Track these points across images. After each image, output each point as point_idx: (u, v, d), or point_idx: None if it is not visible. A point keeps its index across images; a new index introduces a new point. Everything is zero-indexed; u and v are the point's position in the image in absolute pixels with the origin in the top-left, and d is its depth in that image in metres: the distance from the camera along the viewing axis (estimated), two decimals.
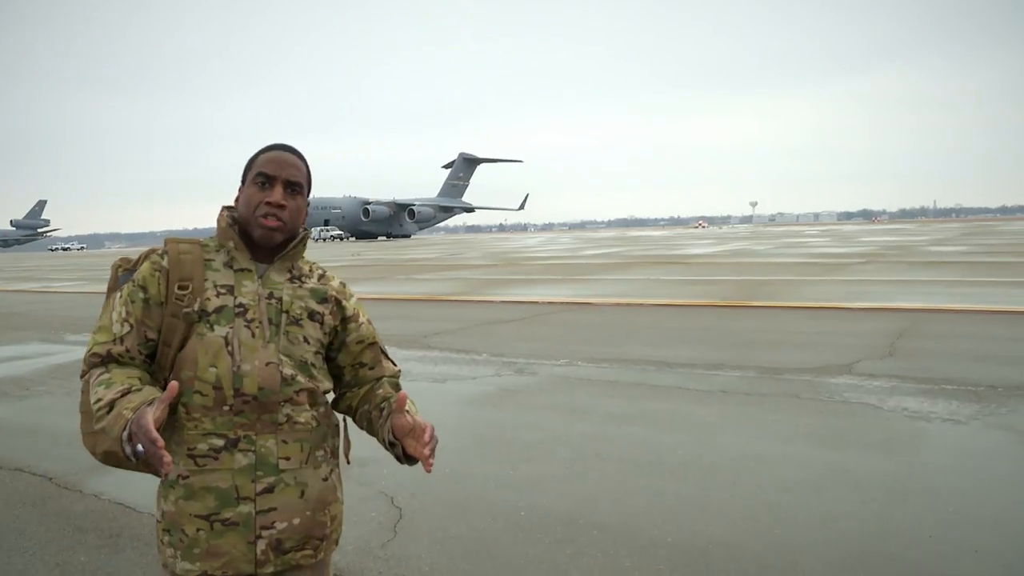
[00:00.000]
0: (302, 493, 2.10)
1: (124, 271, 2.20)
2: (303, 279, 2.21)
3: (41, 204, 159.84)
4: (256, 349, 2.06)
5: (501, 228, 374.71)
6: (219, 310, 2.07)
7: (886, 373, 7.74)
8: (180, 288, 2.06)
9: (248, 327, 2.07)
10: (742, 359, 8.71)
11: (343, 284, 2.32)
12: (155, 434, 1.75)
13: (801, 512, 4.33)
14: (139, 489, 5.04)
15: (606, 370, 8.40)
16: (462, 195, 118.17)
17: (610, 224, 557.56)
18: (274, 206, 2.10)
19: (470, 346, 10.11)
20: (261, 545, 2.05)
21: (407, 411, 2.07)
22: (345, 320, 2.25)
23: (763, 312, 12.73)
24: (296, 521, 2.09)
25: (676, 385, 7.56)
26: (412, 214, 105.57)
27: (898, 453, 5.30)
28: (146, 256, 2.17)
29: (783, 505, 4.43)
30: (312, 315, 2.16)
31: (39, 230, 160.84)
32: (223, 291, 2.09)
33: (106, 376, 2.00)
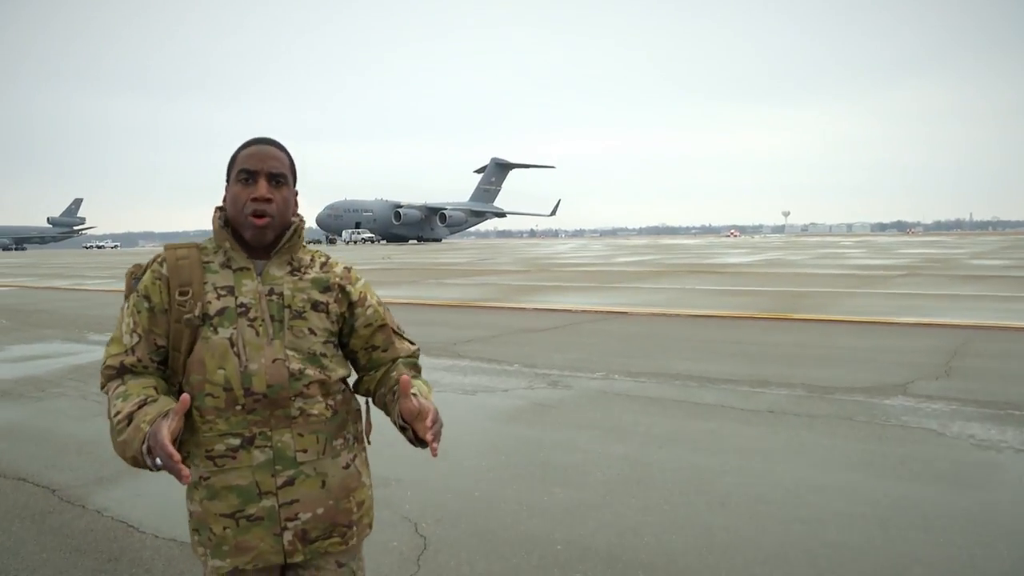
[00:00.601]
0: (323, 483, 2.13)
1: (135, 278, 2.21)
2: (304, 270, 2.20)
3: (77, 202, 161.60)
4: (261, 347, 2.07)
5: (532, 233, 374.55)
6: (221, 312, 2.08)
7: (944, 395, 7.25)
8: (180, 295, 2.08)
9: (252, 326, 2.08)
10: (788, 376, 8.25)
11: (347, 269, 2.30)
12: (171, 449, 1.82)
13: (869, 555, 3.89)
14: (144, 506, 4.72)
15: (645, 385, 7.97)
16: (494, 200, 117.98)
17: (641, 232, 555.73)
18: (260, 200, 2.09)
19: (502, 355, 9.73)
20: (288, 536, 2.09)
21: (413, 394, 2.06)
22: (352, 305, 2.25)
23: (806, 325, 12.20)
24: (320, 511, 2.13)
25: (719, 403, 7.12)
26: (443, 218, 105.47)
27: (970, 487, 4.83)
28: (149, 265, 2.18)
29: (848, 546, 3.99)
30: (316, 305, 2.17)
31: (75, 227, 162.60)
32: (224, 292, 2.11)
33: (123, 388, 2.05)
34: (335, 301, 2.21)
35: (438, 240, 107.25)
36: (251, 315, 2.09)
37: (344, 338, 2.28)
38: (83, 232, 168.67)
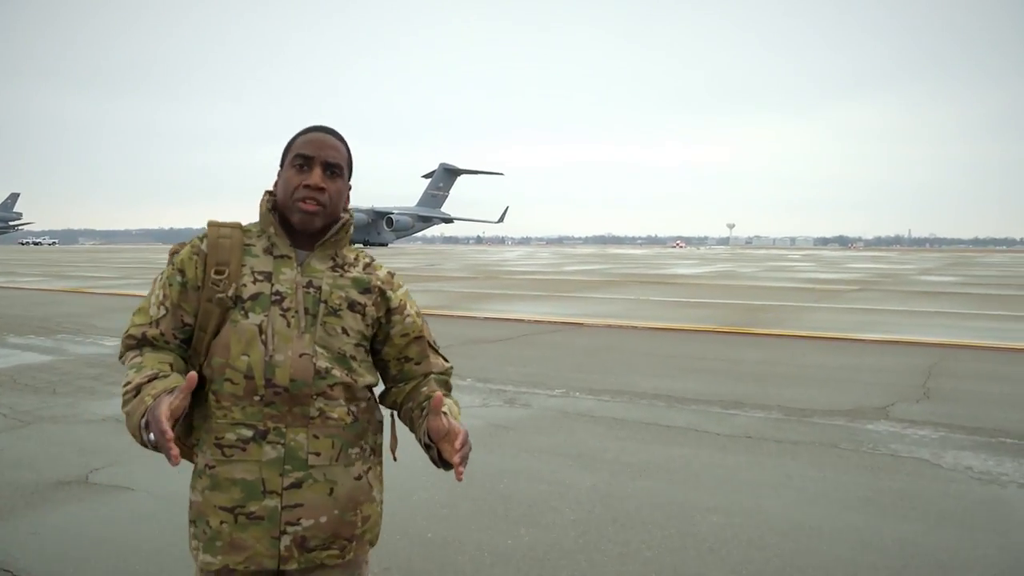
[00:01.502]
0: (331, 491, 2.03)
1: (175, 254, 2.13)
2: (346, 268, 2.13)
3: (14, 196, 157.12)
4: (290, 339, 2.00)
5: (479, 240, 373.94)
6: (255, 297, 2.02)
7: (928, 420, 6.77)
8: (216, 273, 2.03)
9: (284, 316, 2.01)
10: (761, 396, 7.73)
11: (391, 274, 2.22)
12: (165, 425, 1.74)
13: None
14: (40, 549, 3.98)
15: (608, 404, 7.39)
16: (441, 205, 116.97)
17: (587, 240, 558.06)
18: (313, 189, 2.03)
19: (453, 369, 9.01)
20: (285, 541, 1.99)
21: (444, 413, 1.96)
22: (390, 311, 2.16)
23: (770, 341, 11.74)
24: (323, 519, 2.02)
25: (692, 426, 6.55)
26: (390, 222, 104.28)
27: (983, 530, 4.30)
28: (190, 241, 2.13)
29: None
30: (353, 305, 2.09)
31: (11, 223, 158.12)
32: (260, 278, 2.04)
33: (139, 359, 2.01)
34: (373, 304, 2.13)
35: (384, 244, 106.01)
36: (285, 305, 2.02)
37: (377, 345, 2.19)
38: (20, 228, 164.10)
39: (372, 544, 2.18)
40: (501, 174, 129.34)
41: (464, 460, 1.93)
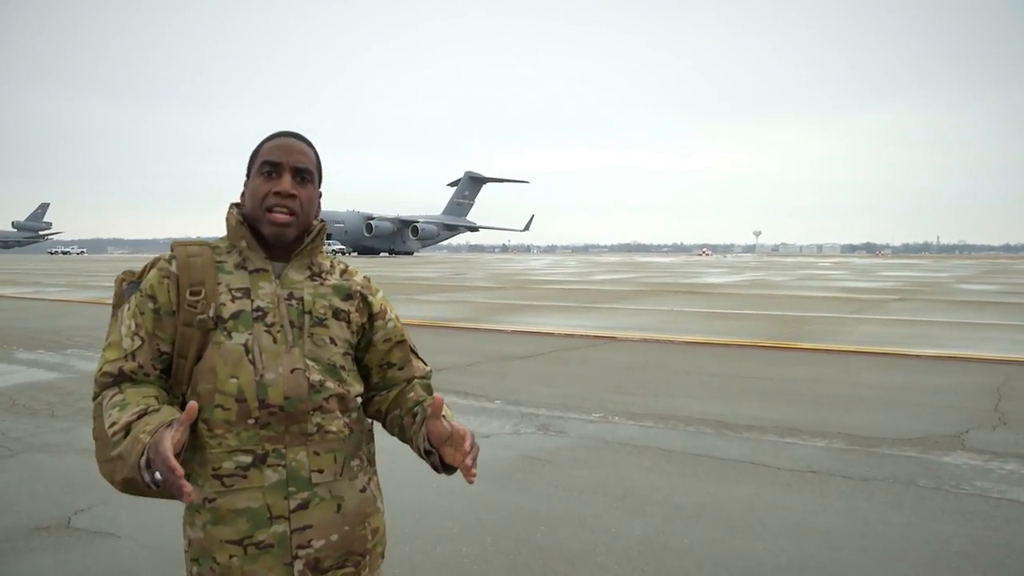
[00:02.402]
0: (339, 507, 1.94)
1: (129, 283, 2.05)
2: (324, 275, 2.05)
3: (43, 207, 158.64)
4: (279, 355, 1.91)
5: (504, 248, 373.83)
6: (236, 315, 1.92)
7: (1013, 451, 6.06)
8: (192, 294, 1.92)
9: (269, 332, 1.92)
10: (818, 421, 7.04)
11: (367, 279, 2.16)
12: (173, 461, 1.63)
13: None
14: None
15: (651, 431, 6.73)
16: (467, 214, 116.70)
17: (613, 248, 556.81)
18: (283, 196, 1.95)
19: (480, 389, 8.44)
20: (298, 566, 1.90)
21: (443, 416, 1.91)
22: (372, 316, 2.10)
23: (819, 357, 10.96)
24: (334, 537, 1.93)
25: (748, 458, 5.88)
26: (416, 231, 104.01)
27: None
28: (153, 264, 2.01)
29: None
30: (337, 313, 2.01)
31: (40, 232, 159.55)
32: (239, 295, 1.94)
33: (120, 397, 1.87)
34: (356, 310, 2.06)
35: (410, 253, 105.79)
36: (268, 320, 1.93)
37: (359, 352, 2.11)
38: (49, 237, 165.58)
39: (383, 556, 2.10)
40: (527, 182, 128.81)
41: (474, 462, 1.85)
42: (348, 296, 2.06)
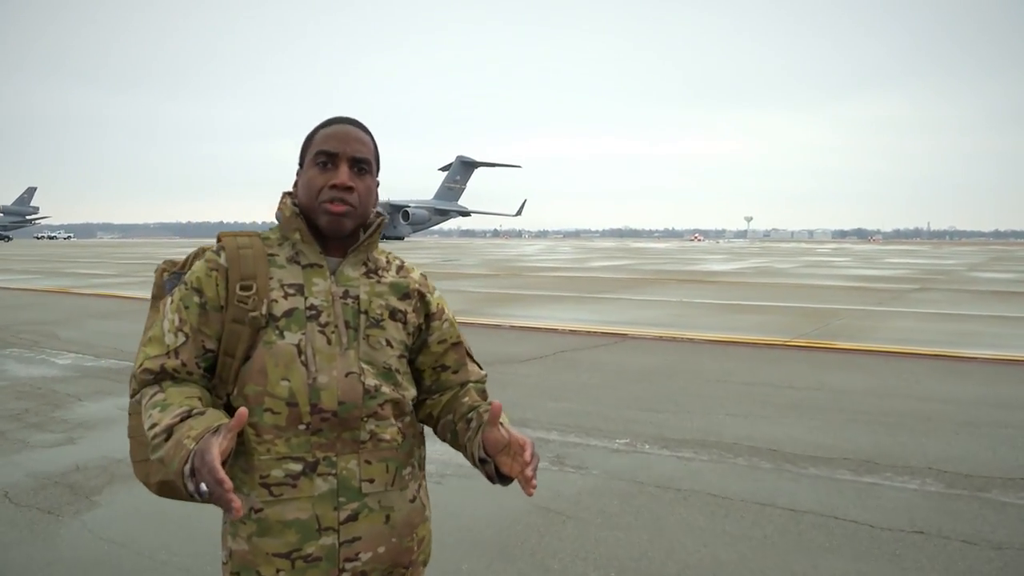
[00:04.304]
0: (387, 518, 1.85)
1: (171, 274, 1.95)
2: (380, 273, 1.94)
3: (30, 191, 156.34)
4: (334, 357, 1.80)
5: (496, 233, 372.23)
6: (288, 313, 1.80)
7: None
8: (242, 289, 1.80)
9: (323, 332, 1.81)
10: (895, 449, 5.69)
11: (424, 276, 2.04)
12: (222, 473, 1.52)
13: None
14: None
15: (693, 465, 5.37)
16: (458, 199, 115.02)
17: (604, 233, 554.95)
18: (340, 189, 1.82)
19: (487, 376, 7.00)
20: None
21: (500, 423, 1.78)
22: (429, 317, 1.98)
23: (864, 360, 9.52)
24: (381, 550, 1.84)
25: (827, 510, 4.52)
26: (406, 216, 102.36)
27: None
28: (198, 255, 1.91)
29: None
30: (394, 314, 1.90)
31: (28, 217, 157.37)
32: (291, 291, 1.83)
33: (161, 396, 1.76)
34: (413, 311, 1.94)
35: (401, 238, 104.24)
36: (322, 319, 1.81)
37: (412, 354, 1.97)
38: (36, 222, 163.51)
39: (425, 564, 1.98)
40: (519, 167, 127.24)
41: (535, 473, 1.71)
42: (406, 295, 1.94)
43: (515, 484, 1.77)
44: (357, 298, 1.86)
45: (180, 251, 47.69)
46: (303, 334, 1.79)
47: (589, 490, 4.89)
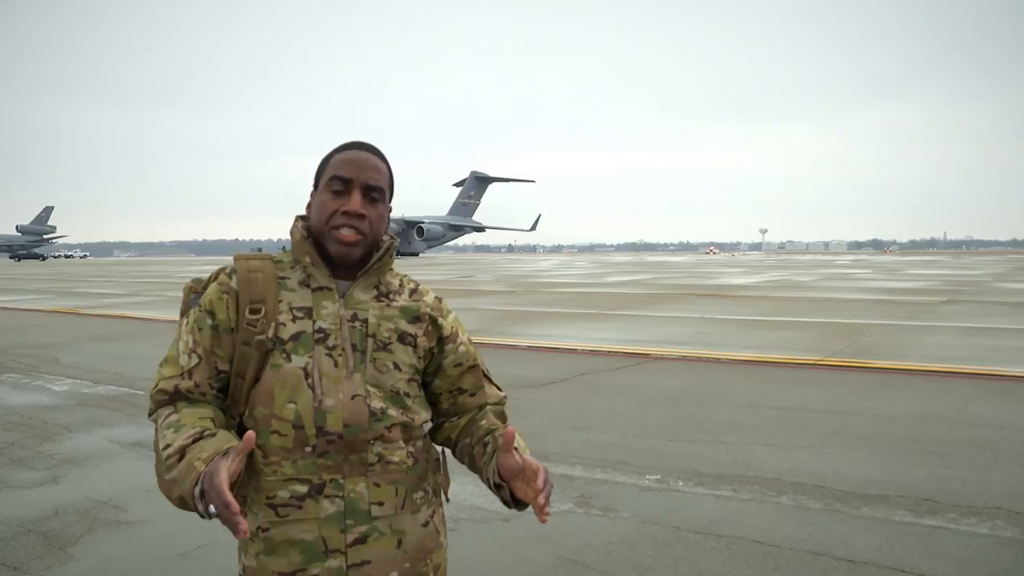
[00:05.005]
0: (399, 542, 1.83)
1: (195, 293, 1.93)
2: (392, 296, 1.93)
3: (48, 210, 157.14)
4: (340, 380, 1.80)
5: (510, 248, 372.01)
6: (296, 336, 1.81)
7: None
8: (252, 312, 1.82)
9: (330, 355, 1.81)
10: (956, 485, 5.16)
11: (439, 299, 2.03)
12: (229, 496, 1.53)
13: None
14: None
15: (732, 505, 4.85)
16: (472, 214, 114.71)
17: (619, 248, 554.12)
18: (352, 216, 1.83)
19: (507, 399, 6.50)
20: None
21: (515, 448, 1.76)
22: (442, 340, 1.97)
23: (904, 380, 8.94)
24: (394, 575, 1.82)
25: (891, 562, 3.99)
26: (421, 232, 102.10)
27: None
28: (215, 276, 1.92)
29: None
30: (403, 337, 1.89)
31: (45, 236, 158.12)
32: (300, 314, 1.83)
33: (175, 417, 1.78)
34: (424, 334, 1.93)
35: (415, 254, 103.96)
36: (330, 343, 1.81)
37: (428, 377, 1.99)
38: (53, 241, 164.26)
39: None
40: (532, 181, 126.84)
41: (547, 500, 1.70)
42: (416, 319, 1.93)
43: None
44: (366, 321, 1.86)
45: (193, 270, 47.35)
46: (310, 357, 1.80)
47: (620, 538, 4.38)
